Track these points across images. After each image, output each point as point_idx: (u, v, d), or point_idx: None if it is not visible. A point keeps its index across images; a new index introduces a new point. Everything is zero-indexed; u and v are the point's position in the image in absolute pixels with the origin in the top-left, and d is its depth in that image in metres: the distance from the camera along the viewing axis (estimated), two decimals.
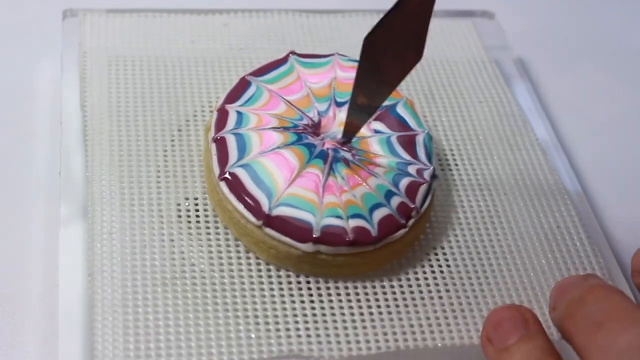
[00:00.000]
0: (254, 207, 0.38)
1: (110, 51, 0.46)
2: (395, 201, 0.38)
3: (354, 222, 0.37)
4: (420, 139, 0.41)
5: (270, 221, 0.37)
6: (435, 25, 0.45)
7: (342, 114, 0.41)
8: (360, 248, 0.37)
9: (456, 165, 0.44)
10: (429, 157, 0.40)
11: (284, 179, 0.38)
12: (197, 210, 0.40)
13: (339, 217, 0.37)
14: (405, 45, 0.37)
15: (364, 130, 0.41)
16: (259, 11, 0.50)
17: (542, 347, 0.32)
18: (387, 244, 0.38)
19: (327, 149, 0.40)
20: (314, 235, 0.37)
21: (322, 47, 0.48)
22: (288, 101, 0.42)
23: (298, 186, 0.38)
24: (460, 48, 0.50)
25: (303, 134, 0.40)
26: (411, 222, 0.38)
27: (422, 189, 0.39)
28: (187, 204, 0.40)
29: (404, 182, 0.39)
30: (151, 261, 0.37)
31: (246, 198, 0.38)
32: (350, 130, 0.40)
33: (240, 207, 0.38)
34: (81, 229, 0.38)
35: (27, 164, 0.44)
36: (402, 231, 0.38)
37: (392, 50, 0.37)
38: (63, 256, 0.37)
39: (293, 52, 0.44)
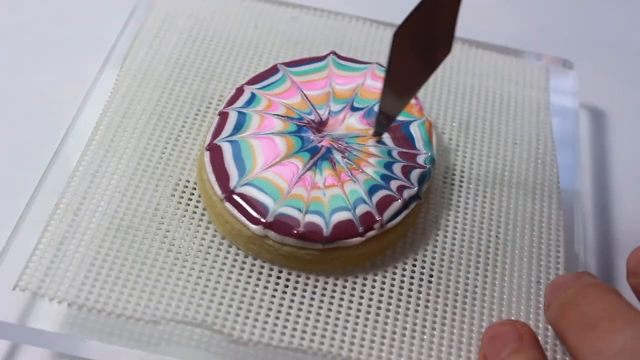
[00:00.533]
0: (223, 181, 0.38)
1: (175, 19, 0.48)
2: (361, 209, 0.38)
3: (310, 218, 0.38)
4: (420, 159, 0.41)
5: (232, 197, 0.38)
6: (504, 61, 0.47)
7: (352, 119, 0.41)
8: (308, 244, 0.37)
9: (460, 190, 0.43)
10: (421, 179, 0.40)
11: (263, 162, 0.39)
12: (187, 182, 0.41)
13: (298, 209, 0.38)
14: (435, 40, 0.37)
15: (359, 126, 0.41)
16: (332, 13, 0.50)
17: (534, 359, 0.32)
18: (339, 248, 0.38)
19: (322, 146, 0.40)
20: (265, 220, 0.37)
21: (379, 58, 0.48)
22: (305, 95, 0.42)
23: (273, 172, 0.39)
24: (523, 86, 0.49)
25: (304, 127, 0.41)
26: (371, 233, 0.38)
27: (395, 205, 0.39)
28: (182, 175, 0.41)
29: (379, 194, 0.39)
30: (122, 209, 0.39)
31: (220, 171, 0.39)
32: (381, 125, 0.40)
33: (212, 178, 0.39)
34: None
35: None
36: (357, 239, 0.38)
37: (421, 44, 0.37)
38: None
39: (334, 52, 0.45)
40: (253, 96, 0.42)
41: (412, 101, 0.43)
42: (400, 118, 0.41)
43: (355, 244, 0.38)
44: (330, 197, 0.38)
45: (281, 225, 0.37)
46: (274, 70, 0.44)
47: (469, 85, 0.47)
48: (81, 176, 0.40)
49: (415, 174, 0.40)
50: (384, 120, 0.39)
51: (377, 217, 0.38)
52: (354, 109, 0.42)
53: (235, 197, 0.38)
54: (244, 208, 0.38)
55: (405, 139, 0.41)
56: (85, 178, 0.40)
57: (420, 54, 0.37)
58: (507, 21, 0.49)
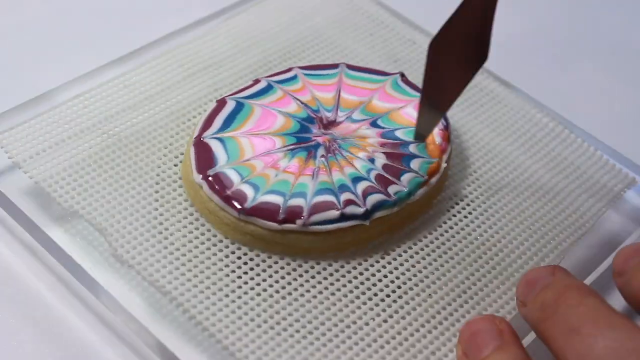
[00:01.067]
0: (203, 166, 0.39)
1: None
2: (343, 197, 0.38)
3: (295, 202, 0.38)
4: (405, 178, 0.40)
5: (210, 181, 0.39)
6: None
7: (368, 132, 0.42)
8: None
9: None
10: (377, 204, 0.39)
11: (252, 154, 0.40)
12: (176, 165, 0.42)
13: (281, 193, 0.38)
14: (470, 48, 0.37)
15: (369, 132, 0.42)
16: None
17: (516, 357, 0.32)
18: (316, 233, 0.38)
19: (316, 140, 0.41)
20: (245, 208, 0.38)
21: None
22: (316, 96, 0.43)
23: (259, 159, 0.40)
24: None
25: (312, 120, 0.42)
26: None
27: (331, 213, 0.38)
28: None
29: (362, 185, 0.39)
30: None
31: (203, 159, 0.40)
32: (421, 133, 0.39)
33: (194, 164, 0.40)
34: None
35: None
36: (337, 225, 0.38)
37: (457, 53, 0.37)
38: None
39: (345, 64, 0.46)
40: (269, 87, 0.43)
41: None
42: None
43: (335, 229, 0.38)
44: (277, 180, 0.39)
45: (262, 212, 0.38)
46: (288, 70, 0.45)
47: None
48: None
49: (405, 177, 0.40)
50: (422, 131, 0.39)
51: (303, 214, 0.38)
52: (374, 125, 0.42)
53: (214, 178, 0.39)
54: (222, 193, 0.38)
55: (401, 154, 0.42)
56: None
57: (457, 62, 0.38)
58: (507, 21, 0.49)
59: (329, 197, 0.38)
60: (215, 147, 0.40)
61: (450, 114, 0.45)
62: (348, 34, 0.51)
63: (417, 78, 0.46)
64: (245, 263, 0.38)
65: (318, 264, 0.38)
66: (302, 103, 0.43)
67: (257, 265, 0.38)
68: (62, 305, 0.38)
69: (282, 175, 0.39)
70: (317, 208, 0.38)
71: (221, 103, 0.42)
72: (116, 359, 0.36)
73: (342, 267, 0.38)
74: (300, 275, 0.38)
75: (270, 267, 0.38)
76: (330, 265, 0.38)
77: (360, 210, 0.38)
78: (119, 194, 0.40)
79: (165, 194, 0.40)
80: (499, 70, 0.50)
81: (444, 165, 0.41)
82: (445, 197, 0.42)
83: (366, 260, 0.39)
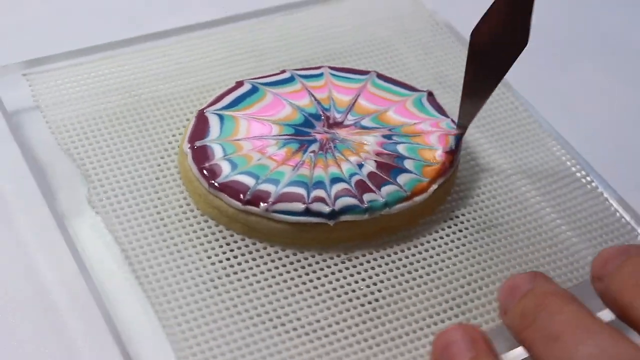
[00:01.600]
0: (195, 137, 0.41)
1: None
2: (315, 193, 0.39)
3: (265, 187, 0.39)
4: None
5: (194, 152, 0.40)
6: None
7: (370, 138, 0.42)
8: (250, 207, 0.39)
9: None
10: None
11: (244, 135, 0.41)
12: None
13: (255, 176, 0.39)
14: (511, 33, 0.38)
15: (371, 139, 0.42)
16: None
17: None
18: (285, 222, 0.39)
19: (314, 136, 0.42)
20: (214, 183, 0.39)
21: None
22: (332, 95, 0.44)
23: (249, 141, 0.41)
24: None
25: (312, 122, 0.43)
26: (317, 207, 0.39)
27: (346, 200, 0.39)
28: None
29: (338, 187, 0.40)
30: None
31: (197, 130, 0.42)
32: (464, 120, 0.41)
33: (188, 134, 0.41)
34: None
35: None
36: (300, 218, 0.39)
37: (498, 39, 0.38)
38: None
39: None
40: (291, 78, 0.45)
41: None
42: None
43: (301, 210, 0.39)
44: (257, 164, 0.40)
45: (230, 190, 0.39)
46: (317, 68, 0.46)
47: None
48: None
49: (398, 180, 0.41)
50: (464, 121, 0.41)
51: (269, 200, 0.39)
52: (387, 136, 0.42)
53: (197, 151, 0.41)
54: (202, 164, 0.40)
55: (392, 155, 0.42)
56: None
57: (498, 49, 0.38)
58: None
59: (300, 190, 0.39)
60: (213, 121, 0.42)
61: (473, 138, 0.46)
62: (405, 46, 0.51)
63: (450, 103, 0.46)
64: (206, 235, 0.40)
65: (283, 250, 0.39)
66: (315, 99, 0.44)
67: (217, 240, 0.39)
68: (65, 305, 0.39)
69: (265, 160, 0.40)
70: (284, 197, 0.39)
71: (238, 84, 0.44)
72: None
73: (303, 259, 0.39)
74: (260, 257, 0.39)
75: (228, 244, 0.39)
76: (294, 254, 0.39)
77: (326, 209, 0.38)
78: (123, 152, 0.43)
79: (160, 158, 0.43)
80: None
81: (433, 187, 0.41)
82: (437, 220, 0.42)
83: (328, 260, 0.39)
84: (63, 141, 0.42)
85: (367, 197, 0.39)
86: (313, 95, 0.44)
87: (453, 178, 0.43)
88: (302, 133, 0.42)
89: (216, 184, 0.39)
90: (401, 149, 0.42)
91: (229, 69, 0.48)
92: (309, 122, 0.43)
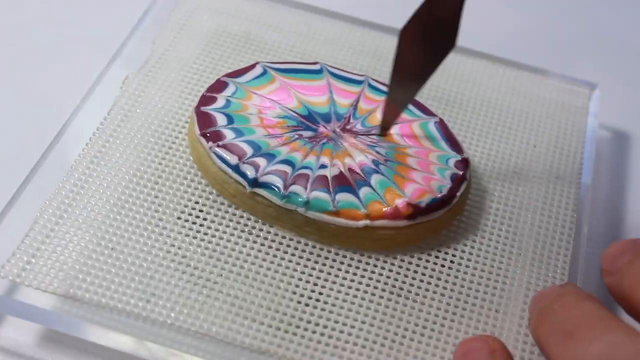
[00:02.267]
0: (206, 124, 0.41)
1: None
2: (296, 175, 0.40)
3: (276, 167, 0.39)
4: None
5: (211, 134, 0.40)
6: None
7: (360, 147, 0.41)
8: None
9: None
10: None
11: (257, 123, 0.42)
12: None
13: (271, 155, 0.40)
14: (439, 35, 0.38)
15: (362, 147, 0.41)
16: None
17: None
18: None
19: (321, 132, 0.42)
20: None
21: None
22: (360, 106, 0.44)
23: (263, 127, 0.41)
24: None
25: (317, 119, 0.42)
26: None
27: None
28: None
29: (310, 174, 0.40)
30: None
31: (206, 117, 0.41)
32: (386, 123, 0.41)
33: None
34: None
35: None
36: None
37: (426, 40, 0.38)
38: None
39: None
40: (317, 71, 0.45)
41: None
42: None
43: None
44: (255, 127, 0.41)
45: (246, 169, 0.39)
46: (362, 75, 0.46)
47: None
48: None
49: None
50: (387, 121, 0.41)
51: (259, 172, 0.39)
52: (371, 147, 0.42)
53: (213, 134, 0.41)
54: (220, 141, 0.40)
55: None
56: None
57: (426, 50, 0.39)
58: (506, 21, 0.48)
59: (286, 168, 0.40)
60: (228, 89, 0.43)
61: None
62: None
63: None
64: (197, 203, 0.40)
65: (263, 225, 0.40)
66: (334, 101, 0.43)
67: (204, 211, 0.40)
68: None
69: (263, 131, 0.41)
70: (273, 171, 0.39)
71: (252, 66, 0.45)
72: None
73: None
74: (236, 224, 0.39)
75: (213, 209, 0.40)
76: (270, 230, 0.39)
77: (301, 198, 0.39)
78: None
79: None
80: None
81: (366, 222, 0.39)
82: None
83: (278, 246, 0.39)
84: None
85: (315, 193, 0.39)
86: (333, 96, 0.44)
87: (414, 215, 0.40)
88: (310, 120, 0.42)
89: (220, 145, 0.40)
90: (374, 179, 0.40)
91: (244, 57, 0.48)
92: (314, 118, 0.42)
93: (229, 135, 0.41)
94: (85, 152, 0.41)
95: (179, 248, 0.38)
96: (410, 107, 0.44)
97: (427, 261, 0.39)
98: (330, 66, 0.45)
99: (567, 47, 0.57)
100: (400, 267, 0.39)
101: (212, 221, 0.39)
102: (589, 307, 0.31)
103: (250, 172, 0.39)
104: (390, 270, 0.39)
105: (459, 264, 0.40)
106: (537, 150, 0.45)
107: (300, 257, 0.39)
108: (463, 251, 0.40)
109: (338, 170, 0.40)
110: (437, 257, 0.40)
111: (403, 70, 0.38)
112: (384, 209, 0.39)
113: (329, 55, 0.48)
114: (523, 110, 0.47)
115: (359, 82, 0.45)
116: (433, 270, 0.39)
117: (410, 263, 0.39)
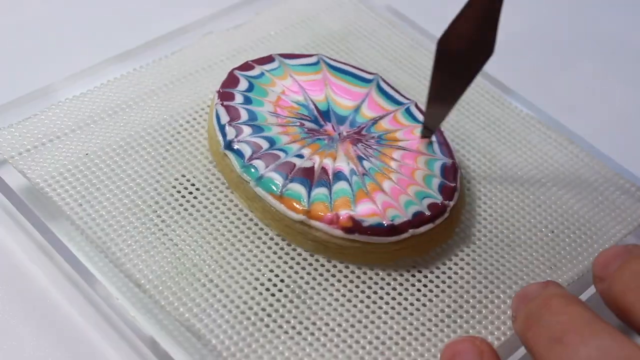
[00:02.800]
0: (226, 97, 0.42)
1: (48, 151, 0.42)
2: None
3: (256, 140, 0.40)
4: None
5: (224, 93, 0.42)
6: None
7: (351, 148, 0.42)
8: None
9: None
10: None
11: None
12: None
13: (259, 129, 0.41)
14: (477, 43, 0.38)
15: (351, 156, 0.41)
16: None
17: None
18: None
19: (329, 132, 0.42)
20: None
21: None
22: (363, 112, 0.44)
23: (273, 104, 0.43)
24: None
25: (319, 119, 0.43)
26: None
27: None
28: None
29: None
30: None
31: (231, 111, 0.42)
32: (429, 128, 0.42)
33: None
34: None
35: None
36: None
37: (464, 49, 0.39)
38: None
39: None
40: (316, 63, 0.45)
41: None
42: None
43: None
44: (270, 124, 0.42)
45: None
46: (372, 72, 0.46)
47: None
48: None
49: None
50: (429, 126, 0.42)
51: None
52: (359, 158, 0.42)
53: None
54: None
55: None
56: None
57: (464, 58, 0.39)
58: (506, 21, 0.48)
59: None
60: (272, 64, 0.45)
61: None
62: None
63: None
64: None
65: (227, 189, 0.41)
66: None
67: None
68: (65, 301, 0.39)
69: (271, 107, 0.42)
70: (249, 142, 0.40)
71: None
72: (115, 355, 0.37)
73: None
74: (228, 204, 0.40)
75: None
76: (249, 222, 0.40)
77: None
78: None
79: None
80: (499, 71, 0.49)
81: (314, 222, 0.39)
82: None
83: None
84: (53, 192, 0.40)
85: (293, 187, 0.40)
86: (362, 105, 0.44)
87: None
88: (314, 122, 0.43)
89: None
90: (338, 185, 0.40)
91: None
92: (328, 115, 0.43)
93: (237, 99, 0.42)
94: None
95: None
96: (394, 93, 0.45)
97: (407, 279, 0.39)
98: (386, 82, 0.46)
99: (567, 47, 0.57)
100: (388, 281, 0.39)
101: (192, 174, 0.42)
102: (576, 311, 0.31)
103: (230, 135, 0.40)
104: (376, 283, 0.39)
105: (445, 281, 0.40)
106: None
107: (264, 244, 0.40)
108: (455, 265, 0.40)
109: (311, 164, 0.40)
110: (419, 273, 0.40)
111: (442, 78, 0.39)
112: (324, 213, 0.38)
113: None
114: None
115: (398, 103, 0.45)
116: (413, 285, 0.39)
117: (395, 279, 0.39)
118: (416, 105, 0.45)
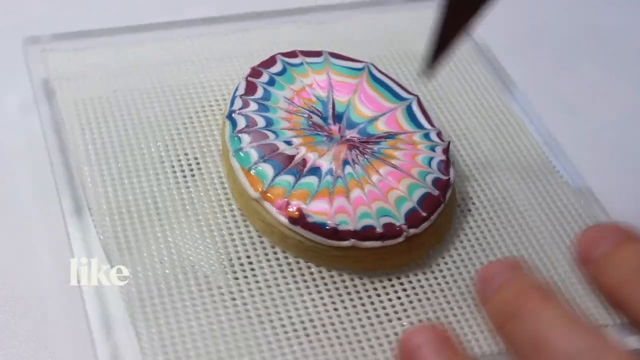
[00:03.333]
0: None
1: (87, 80, 0.47)
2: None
3: (256, 117, 0.42)
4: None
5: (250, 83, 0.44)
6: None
7: (344, 151, 0.42)
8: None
9: None
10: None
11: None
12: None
13: (266, 108, 0.43)
14: None
15: (340, 157, 0.42)
16: None
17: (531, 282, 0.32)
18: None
19: (332, 132, 0.43)
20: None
21: None
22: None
23: (295, 93, 0.44)
24: None
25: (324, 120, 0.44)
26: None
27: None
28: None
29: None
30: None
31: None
32: (429, 64, 0.37)
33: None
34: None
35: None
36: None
37: None
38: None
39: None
40: (360, 70, 0.46)
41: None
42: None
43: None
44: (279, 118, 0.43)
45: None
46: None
47: None
48: None
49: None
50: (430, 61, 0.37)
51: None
52: (345, 163, 0.42)
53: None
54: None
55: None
56: None
57: None
58: (506, 21, 0.47)
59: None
60: (316, 58, 0.46)
61: None
62: None
63: None
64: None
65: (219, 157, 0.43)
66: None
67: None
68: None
69: (291, 94, 0.44)
70: (248, 116, 0.42)
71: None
72: None
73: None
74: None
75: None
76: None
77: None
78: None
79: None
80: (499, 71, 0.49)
81: (266, 204, 0.40)
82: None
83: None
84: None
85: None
86: (379, 119, 0.44)
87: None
88: (319, 123, 0.44)
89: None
90: (306, 179, 0.41)
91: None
92: (341, 117, 0.44)
93: (263, 78, 0.44)
94: None
95: None
96: (416, 117, 0.44)
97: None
98: (421, 106, 0.45)
99: (567, 47, 0.57)
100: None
101: (201, 138, 0.44)
102: (556, 309, 0.30)
103: (236, 106, 0.43)
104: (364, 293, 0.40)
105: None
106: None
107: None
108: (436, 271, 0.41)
109: (294, 152, 0.41)
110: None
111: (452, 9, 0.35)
112: (278, 198, 0.40)
113: None
114: None
115: (421, 128, 0.44)
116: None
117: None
118: (438, 134, 0.44)
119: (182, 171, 0.43)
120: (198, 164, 0.43)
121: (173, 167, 0.43)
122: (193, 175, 0.43)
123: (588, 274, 0.33)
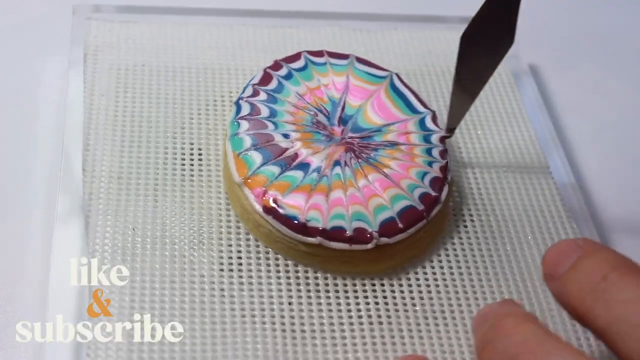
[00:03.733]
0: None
1: (120, 51, 0.49)
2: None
3: (262, 107, 0.43)
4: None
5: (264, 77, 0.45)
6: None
7: (340, 152, 0.43)
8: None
9: None
10: None
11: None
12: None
13: (274, 100, 0.43)
14: (499, 34, 0.40)
15: (334, 157, 0.42)
16: None
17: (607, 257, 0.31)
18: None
19: (335, 132, 0.43)
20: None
21: None
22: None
23: (308, 89, 0.45)
24: None
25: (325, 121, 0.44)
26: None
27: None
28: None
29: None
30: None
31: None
32: (453, 122, 0.43)
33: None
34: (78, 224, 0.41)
35: (28, 161, 0.46)
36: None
37: (486, 41, 0.40)
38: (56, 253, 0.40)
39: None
40: (382, 78, 0.46)
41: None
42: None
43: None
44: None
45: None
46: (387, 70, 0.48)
47: None
48: None
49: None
50: (452, 124, 0.43)
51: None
52: (336, 163, 0.42)
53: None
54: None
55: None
56: None
57: (487, 50, 0.41)
58: None
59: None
60: (336, 60, 0.47)
61: None
62: None
63: None
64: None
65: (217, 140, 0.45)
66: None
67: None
68: None
69: (305, 89, 0.45)
70: (255, 105, 0.43)
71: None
72: None
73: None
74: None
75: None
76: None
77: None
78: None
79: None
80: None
81: (246, 190, 0.41)
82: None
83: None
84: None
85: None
86: (388, 127, 0.44)
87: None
88: (320, 126, 0.44)
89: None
90: (292, 172, 0.41)
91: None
92: (346, 120, 0.44)
93: (281, 72, 0.45)
94: None
95: None
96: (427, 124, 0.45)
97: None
98: (435, 120, 0.45)
99: (567, 47, 0.57)
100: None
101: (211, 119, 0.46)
102: (529, 331, 0.30)
103: (246, 94, 0.44)
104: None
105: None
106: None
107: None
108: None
109: (289, 146, 0.42)
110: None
111: (465, 73, 0.41)
112: (258, 186, 0.40)
113: None
114: None
115: (428, 142, 0.44)
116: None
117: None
118: (441, 152, 0.44)
119: (191, 150, 0.44)
120: (201, 147, 0.44)
121: (182, 146, 0.44)
122: (200, 155, 0.44)
123: (553, 292, 0.33)
